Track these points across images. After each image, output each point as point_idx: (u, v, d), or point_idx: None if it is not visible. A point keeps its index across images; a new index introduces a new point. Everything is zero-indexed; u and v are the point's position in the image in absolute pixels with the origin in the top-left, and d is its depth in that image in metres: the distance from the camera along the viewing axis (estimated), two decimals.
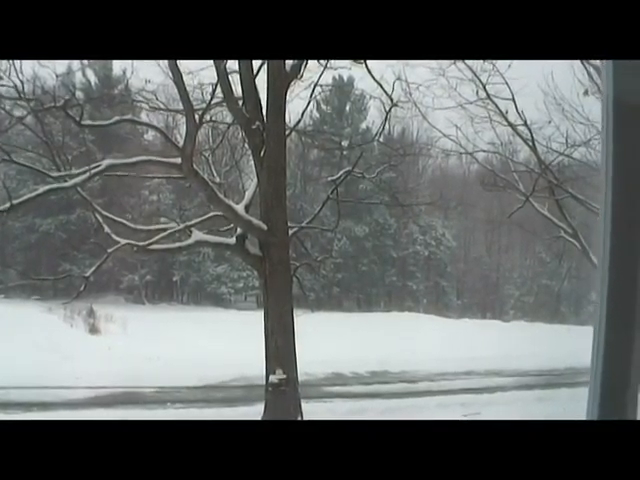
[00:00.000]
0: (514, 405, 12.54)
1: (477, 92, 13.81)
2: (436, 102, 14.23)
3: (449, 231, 40.80)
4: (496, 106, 13.88)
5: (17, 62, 8.89)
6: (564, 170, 15.60)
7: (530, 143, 13.98)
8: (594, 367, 2.17)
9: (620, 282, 2.15)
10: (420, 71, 12.98)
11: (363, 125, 39.65)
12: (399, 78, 12.64)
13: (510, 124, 14.06)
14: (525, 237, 38.36)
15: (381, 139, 15.53)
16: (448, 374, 17.62)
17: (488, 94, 13.68)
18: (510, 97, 13.58)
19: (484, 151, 16.13)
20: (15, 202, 8.96)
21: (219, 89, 9.98)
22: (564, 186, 13.82)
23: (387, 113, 12.84)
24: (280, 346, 9.89)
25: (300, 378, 10.19)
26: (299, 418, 9.77)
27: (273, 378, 9.70)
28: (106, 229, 10.29)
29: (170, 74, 9.08)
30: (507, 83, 13.37)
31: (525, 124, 13.82)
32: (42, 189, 9.31)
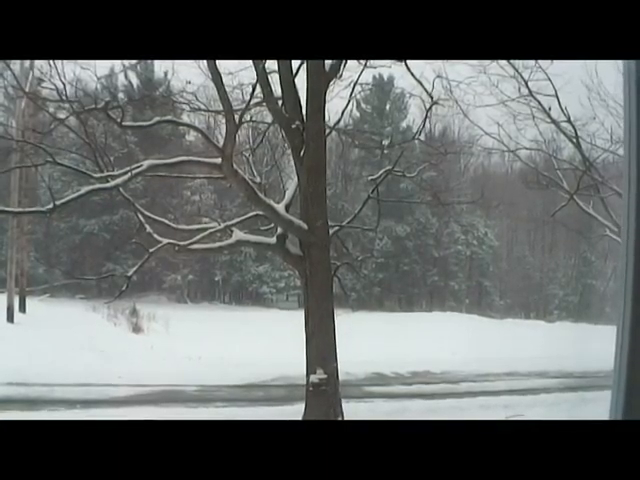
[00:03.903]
0: (558, 407, 12.34)
1: (519, 89, 13.63)
2: (477, 99, 14.09)
3: (491, 230, 40.39)
4: (539, 103, 13.67)
5: (59, 65, 9.01)
6: (609, 167, 15.30)
7: (574, 140, 13.75)
8: (617, 367, 2.13)
9: None
10: (460, 68, 12.84)
11: (403, 124, 39.50)
12: (439, 76, 12.53)
13: (553, 121, 13.84)
14: (569, 236, 37.77)
15: (422, 137, 15.38)
16: (491, 375, 17.42)
17: (530, 91, 13.48)
18: (553, 93, 13.37)
19: (527, 149, 15.91)
20: (58, 202, 9.07)
21: (258, 89, 10.00)
22: (609, 183, 13.55)
23: (427, 111, 12.71)
24: (321, 346, 9.87)
25: (341, 378, 10.16)
26: (340, 418, 9.74)
27: (314, 378, 9.69)
28: (148, 229, 10.38)
29: (210, 75, 9.11)
30: (550, 79, 13.16)
31: (569, 121, 13.59)
32: (84, 189, 9.42)
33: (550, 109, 13.66)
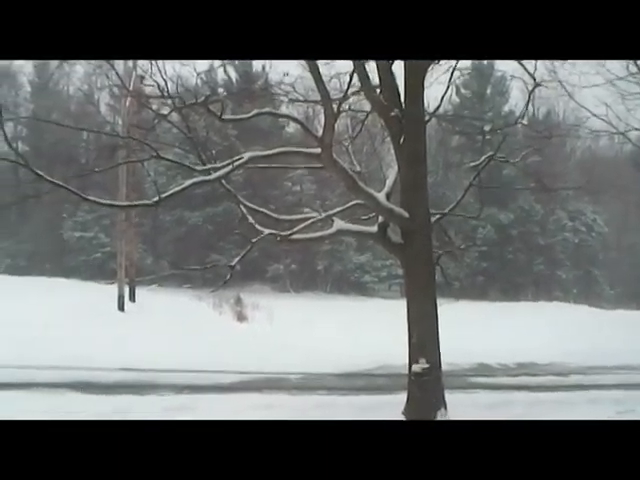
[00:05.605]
0: None
1: (627, 67, 12.97)
2: (583, 80, 13.50)
3: (600, 216, 38.92)
4: None
5: (160, 63, 9.26)
6: None
7: None
8: None
9: None
10: None
11: (505, 108, 38.59)
12: None
13: None
14: None
15: (525, 121, 14.87)
16: (601, 368, 16.75)
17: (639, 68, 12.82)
18: None
19: (637, 130, 15.14)
20: (163, 196, 9.33)
21: (356, 78, 9.93)
22: None
23: (530, 94, 12.30)
24: (423, 335, 9.76)
25: (444, 368, 10.02)
26: (442, 408, 9.62)
27: (416, 367, 9.59)
28: (250, 220, 10.52)
29: (307, 66, 9.12)
30: None
31: None
32: (187, 182, 9.62)
33: None
